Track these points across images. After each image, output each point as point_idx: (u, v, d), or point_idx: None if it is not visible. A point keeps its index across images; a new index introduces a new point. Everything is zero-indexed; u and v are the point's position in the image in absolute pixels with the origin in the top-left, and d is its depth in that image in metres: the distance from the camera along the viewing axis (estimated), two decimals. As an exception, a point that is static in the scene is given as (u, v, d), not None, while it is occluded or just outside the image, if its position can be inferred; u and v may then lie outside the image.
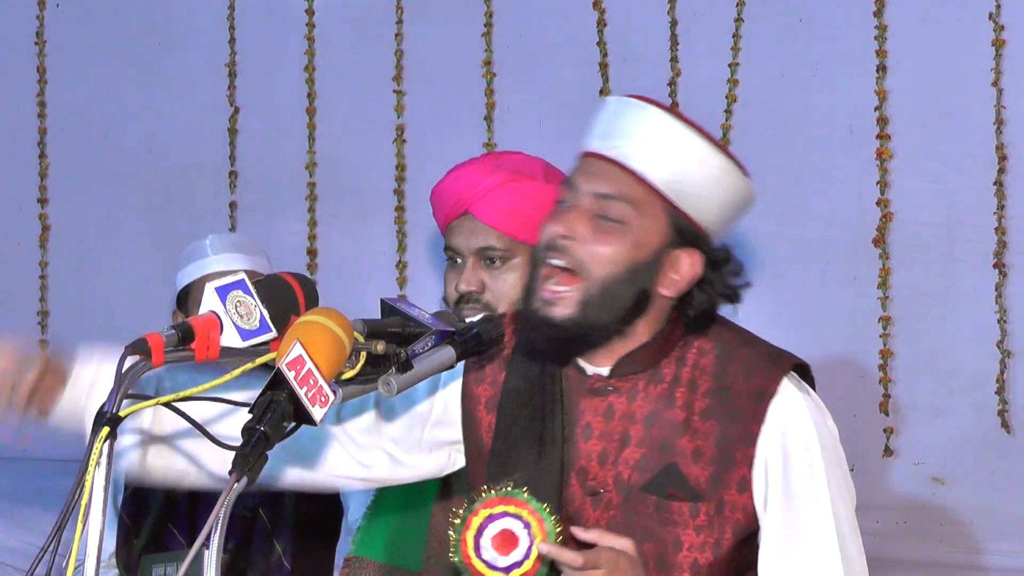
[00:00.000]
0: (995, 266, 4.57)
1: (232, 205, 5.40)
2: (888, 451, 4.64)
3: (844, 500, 2.53)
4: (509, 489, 2.49)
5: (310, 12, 5.31)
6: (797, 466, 2.50)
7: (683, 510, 2.49)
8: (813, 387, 2.59)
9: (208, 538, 2.08)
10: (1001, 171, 4.57)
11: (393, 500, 3.21)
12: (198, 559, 2.09)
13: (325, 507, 3.80)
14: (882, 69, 4.68)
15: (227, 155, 5.40)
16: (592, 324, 2.50)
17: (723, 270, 2.57)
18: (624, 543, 2.42)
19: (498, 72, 5.10)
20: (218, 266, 3.75)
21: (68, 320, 5.58)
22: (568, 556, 2.39)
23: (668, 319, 2.56)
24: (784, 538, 2.50)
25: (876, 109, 4.68)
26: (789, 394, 2.52)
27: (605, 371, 2.57)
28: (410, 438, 2.69)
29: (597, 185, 2.52)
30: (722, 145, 2.57)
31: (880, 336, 4.65)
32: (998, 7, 4.58)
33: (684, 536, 2.49)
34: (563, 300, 2.50)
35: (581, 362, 2.58)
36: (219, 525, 2.09)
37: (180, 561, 3.49)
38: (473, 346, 2.42)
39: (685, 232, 2.52)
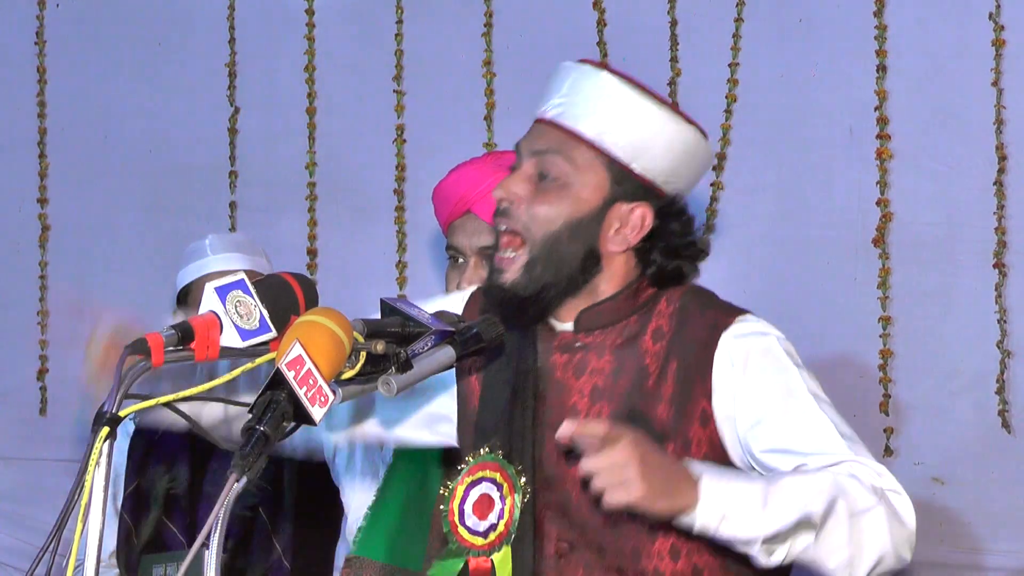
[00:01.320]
0: (995, 266, 4.57)
1: (232, 205, 5.40)
2: (888, 451, 4.64)
3: (818, 387, 2.54)
4: (485, 453, 2.52)
5: (310, 12, 5.31)
6: (761, 365, 2.50)
7: None
8: None
9: (208, 538, 2.08)
10: (1001, 171, 4.57)
11: (395, 500, 3.22)
12: (198, 559, 2.09)
13: (325, 507, 3.80)
14: (882, 69, 4.68)
15: (227, 155, 5.40)
16: (540, 284, 2.53)
17: (676, 221, 2.57)
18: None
19: (498, 72, 5.10)
20: (217, 266, 3.75)
21: (68, 320, 5.58)
22: (592, 427, 2.29)
23: (635, 279, 2.57)
24: (773, 423, 2.48)
25: (876, 109, 4.68)
26: (746, 323, 2.54)
27: (570, 326, 2.57)
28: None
29: (535, 144, 2.58)
30: (662, 96, 2.59)
31: (880, 336, 4.65)
32: (998, 7, 4.58)
33: None
34: (510, 266, 2.54)
35: (551, 320, 2.60)
36: (219, 525, 2.09)
37: (180, 561, 3.50)
38: (473, 345, 2.43)
39: (628, 185, 2.53)
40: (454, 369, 2.67)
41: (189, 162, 5.45)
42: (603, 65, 2.59)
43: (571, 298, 2.56)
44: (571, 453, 2.53)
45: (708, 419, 2.50)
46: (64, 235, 5.60)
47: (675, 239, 2.57)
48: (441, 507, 2.55)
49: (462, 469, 2.55)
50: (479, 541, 2.51)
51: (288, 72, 5.33)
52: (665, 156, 2.55)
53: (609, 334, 2.56)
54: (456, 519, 2.53)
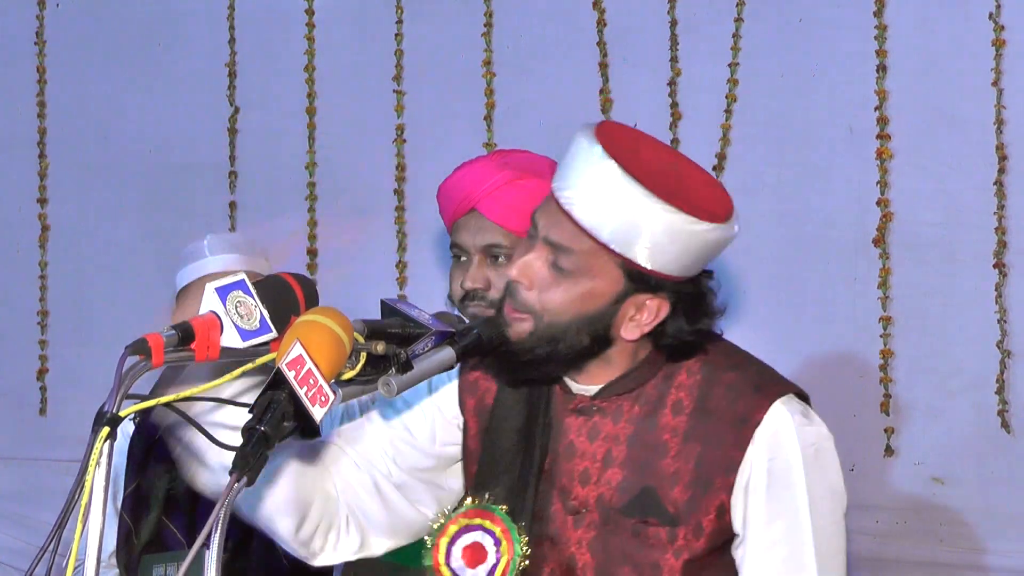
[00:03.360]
0: (995, 266, 4.57)
1: (232, 205, 5.40)
2: (888, 451, 4.64)
3: (828, 510, 2.51)
4: (487, 503, 2.50)
5: (310, 12, 5.31)
6: (779, 486, 2.47)
7: (660, 535, 2.48)
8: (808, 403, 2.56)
9: (208, 538, 2.08)
10: (1001, 171, 4.57)
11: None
12: (198, 559, 2.09)
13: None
14: (882, 69, 4.68)
15: (227, 155, 5.40)
16: (546, 355, 2.48)
17: (694, 307, 2.52)
18: None
19: (498, 72, 5.10)
20: (216, 267, 3.74)
21: (68, 320, 5.58)
22: None
23: (650, 352, 2.54)
24: (764, 557, 2.48)
25: (876, 109, 4.68)
26: (775, 421, 2.48)
27: (591, 391, 2.55)
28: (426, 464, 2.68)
29: (550, 232, 2.48)
30: (681, 197, 2.46)
31: (880, 336, 4.65)
32: (998, 7, 4.58)
33: (663, 560, 2.48)
34: (518, 322, 2.48)
35: (568, 380, 2.57)
36: (219, 525, 2.09)
37: (180, 561, 3.50)
38: (473, 347, 2.42)
39: (642, 281, 2.47)
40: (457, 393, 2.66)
41: (189, 162, 5.45)
42: (620, 156, 2.46)
43: (588, 364, 2.53)
44: (579, 515, 2.53)
45: (724, 512, 2.48)
46: (64, 235, 5.61)
47: (692, 321, 2.53)
48: (427, 538, 2.53)
49: (457, 508, 2.53)
50: None
51: (288, 72, 5.33)
52: (682, 256, 2.46)
53: (626, 400, 2.53)
54: (441, 556, 2.50)
